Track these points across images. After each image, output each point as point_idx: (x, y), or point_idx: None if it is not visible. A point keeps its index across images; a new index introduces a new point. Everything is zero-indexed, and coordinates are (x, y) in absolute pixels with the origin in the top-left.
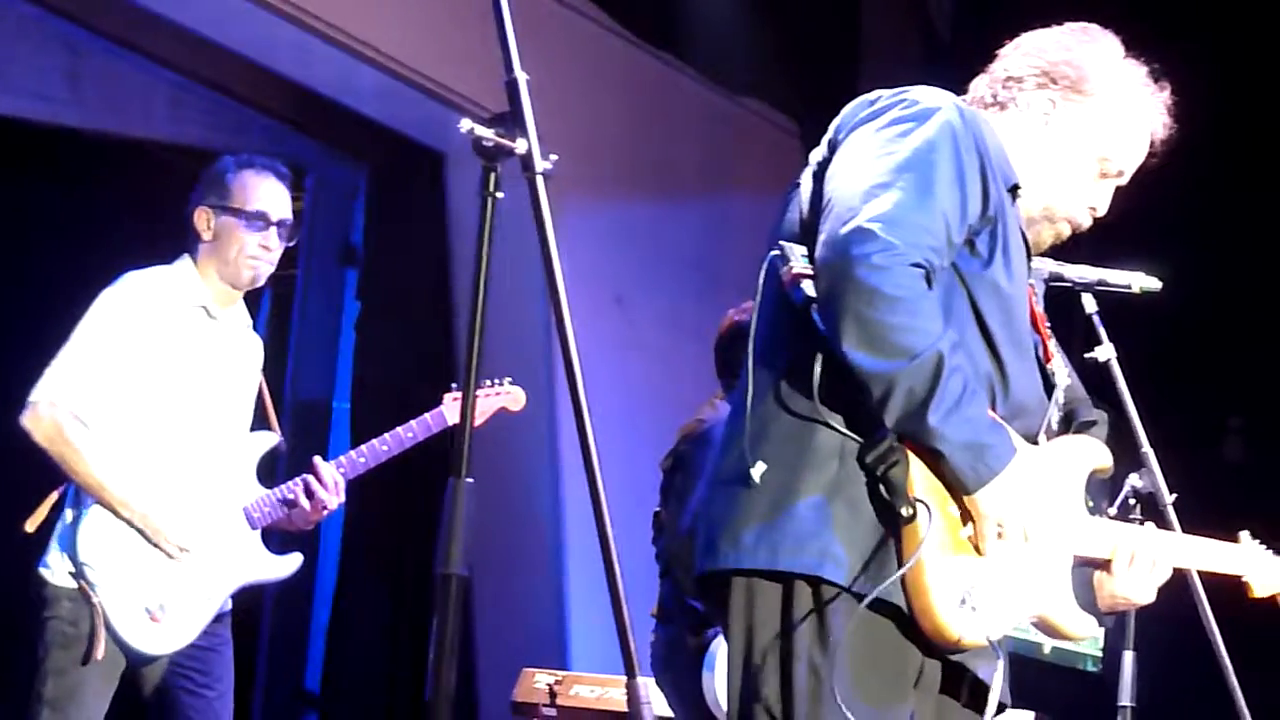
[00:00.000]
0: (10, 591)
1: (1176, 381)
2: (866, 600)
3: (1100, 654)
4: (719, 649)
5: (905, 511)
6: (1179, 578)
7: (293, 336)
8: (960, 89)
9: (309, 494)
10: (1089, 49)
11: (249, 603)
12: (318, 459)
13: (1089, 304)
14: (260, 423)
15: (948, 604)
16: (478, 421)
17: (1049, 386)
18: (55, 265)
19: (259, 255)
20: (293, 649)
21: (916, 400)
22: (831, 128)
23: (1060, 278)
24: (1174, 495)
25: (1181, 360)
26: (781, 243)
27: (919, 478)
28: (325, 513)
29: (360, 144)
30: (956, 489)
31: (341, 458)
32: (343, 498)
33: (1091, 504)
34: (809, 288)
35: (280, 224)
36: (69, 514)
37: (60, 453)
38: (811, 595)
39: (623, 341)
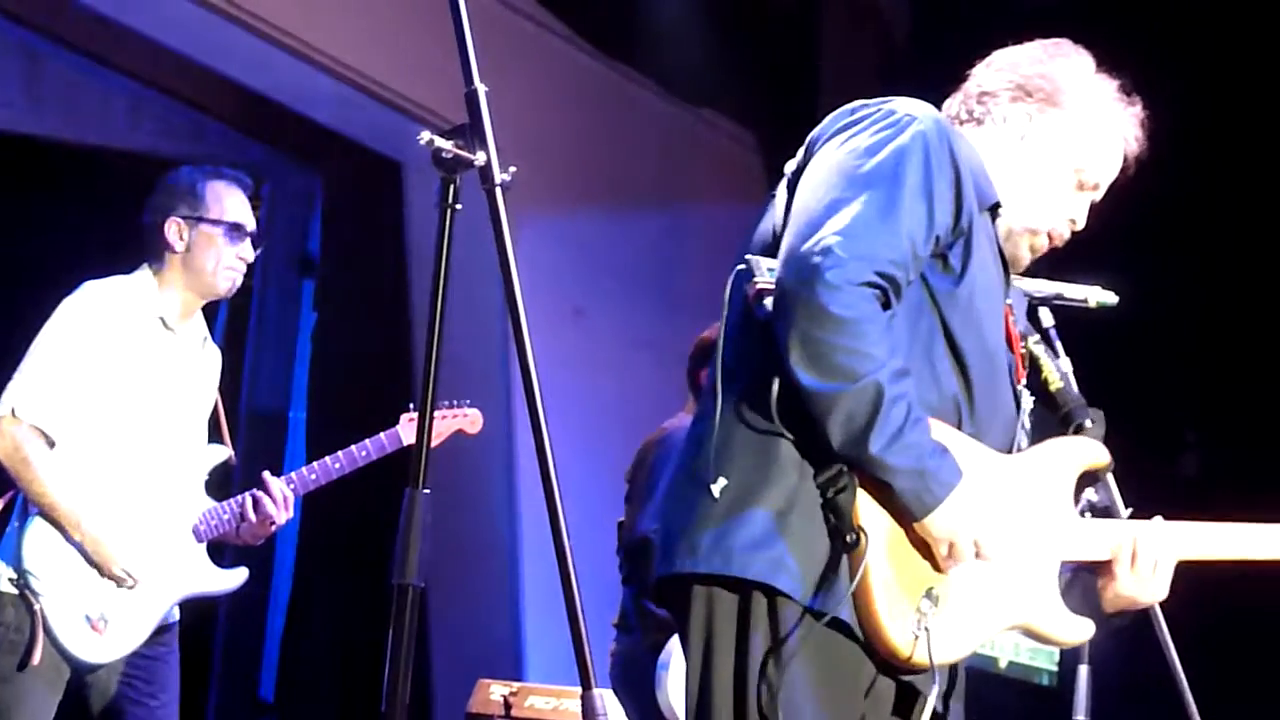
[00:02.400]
0: None
1: (1133, 396)
2: (823, 620)
3: (1056, 668)
4: (674, 650)
5: (849, 538)
6: None
7: (249, 346)
8: (918, 97)
9: (257, 508)
10: (1062, 63)
11: (203, 611)
12: (267, 474)
13: (1046, 318)
14: (214, 436)
15: (898, 626)
16: (434, 442)
17: (1018, 408)
18: (10, 272)
19: (236, 266)
20: (248, 658)
21: (857, 428)
22: (809, 137)
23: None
24: (1130, 510)
25: (1138, 375)
26: (749, 256)
27: (868, 503)
28: (273, 528)
29: (317, 153)
30: (905, 515)
31: (292, 474)
32: (291, 513)
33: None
34: (771, 303)
35: (253, 235)
36: (15, 521)
37: (16, 470)
38: (767, 606)
39: (581, 353)
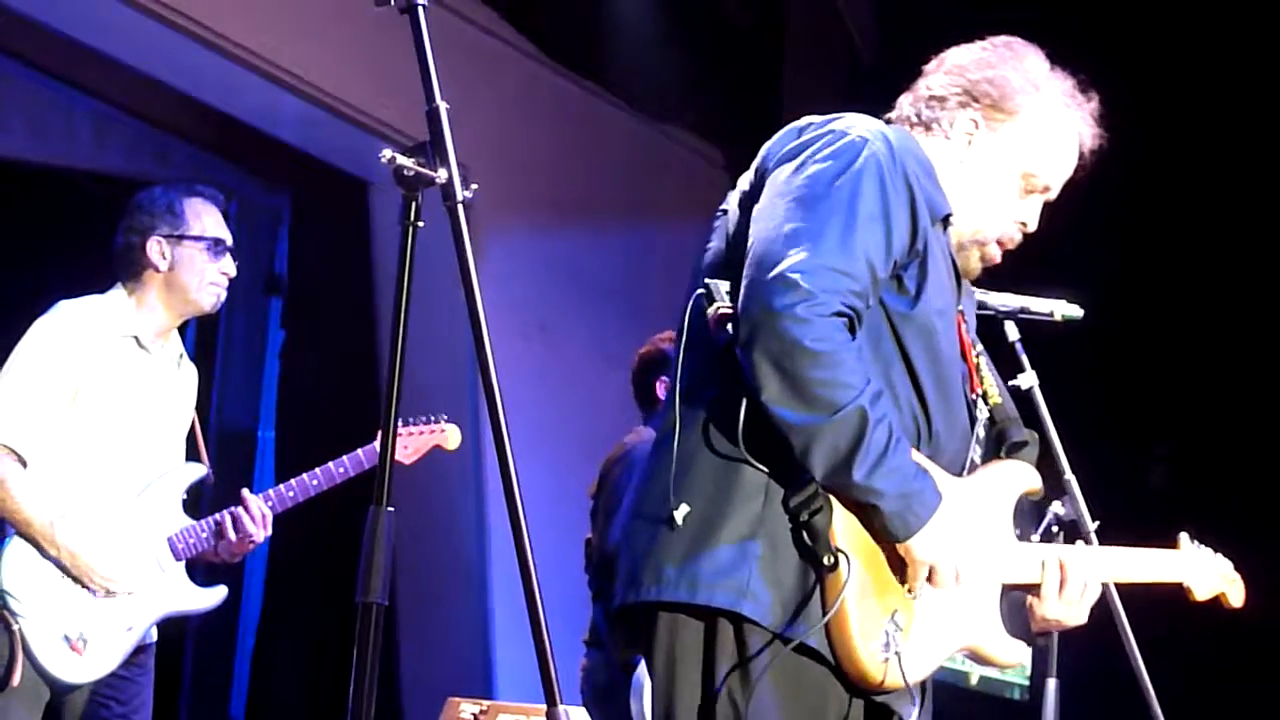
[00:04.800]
0: None
1: (1101, 409)
2: (790, 646)
3: (1027, 682)
4: (645, 678)
5: (827, 560)
6: (1103, 604)
7: (217, 365)
8: (884, 114)
9: (236, 527)
10: (1011, 65)
11: (173, 631)
12: (246, 492)
13: (1011, 332)
14: (191, 454)
15: (871, 649)
16: (411, 459)
17: (973, 420)
18: None
19: (219, 281)
20: (217, 677)
21: (841, 456)
22: (760, 155)
23: (983, 305)
24: (1097, 522)
25: (1106, 388)
26: (707, 281)
27: (842, 525)
28: (251, 546)
29: (283, 172)
30: (885, 538)
31: (270, 491)
32: (269, 531)
33: (1019, 531)
34: (737, 333)
35: (231, 250)
36: None
37: None
38: (733, 633)
39: (548, 370)
